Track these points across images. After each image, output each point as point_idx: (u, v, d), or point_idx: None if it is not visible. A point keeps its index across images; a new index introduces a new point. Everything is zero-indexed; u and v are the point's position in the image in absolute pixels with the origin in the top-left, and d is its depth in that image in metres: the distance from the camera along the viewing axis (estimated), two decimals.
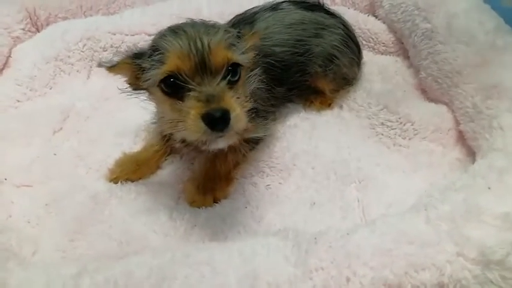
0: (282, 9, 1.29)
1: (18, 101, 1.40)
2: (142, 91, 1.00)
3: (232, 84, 0.89)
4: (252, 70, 1.02)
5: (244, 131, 1.09)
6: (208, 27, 0.92)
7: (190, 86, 0.84)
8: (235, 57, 0.89)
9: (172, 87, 0.87)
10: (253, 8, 1.32)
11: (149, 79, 0.90)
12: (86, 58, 1.53)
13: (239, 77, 0.91)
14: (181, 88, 0.85)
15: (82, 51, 1.53)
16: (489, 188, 0.85)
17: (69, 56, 1.51)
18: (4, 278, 0.78)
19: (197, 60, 0.84)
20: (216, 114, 0.80)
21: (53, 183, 1.13)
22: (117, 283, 0.74)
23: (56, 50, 1.50)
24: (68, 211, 1.05)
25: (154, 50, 0.90)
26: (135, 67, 0.95)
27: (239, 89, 0.92)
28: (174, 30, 0.91)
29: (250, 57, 0.97)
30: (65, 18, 1.69)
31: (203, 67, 0.85)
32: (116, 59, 0.97)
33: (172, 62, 0.85)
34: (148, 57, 0.91)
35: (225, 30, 0.92)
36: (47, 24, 1.66)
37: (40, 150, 1.24)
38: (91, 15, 1.71)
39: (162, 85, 0.88)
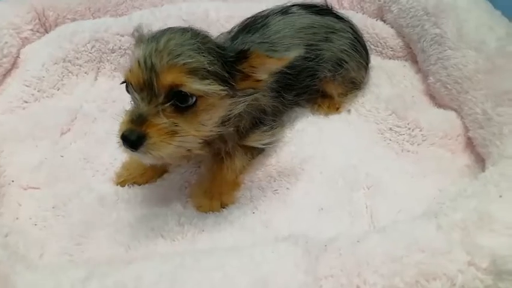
0: (292, 13, 1.29)
1: (26, 101, 1.39)
2: None
3: (182, 110, 0.88)
4: (253, 92, 1.00)
5: (247, 141, 1.12)
6: (180, 45, 0.89)
7: (134, 99, 0.89)
8: (186, 84, 0.86)
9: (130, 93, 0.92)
10: (263, 11, 1.32)
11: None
12: (94, 60, 1.53)
13: (194, 103, 0.89)
14: None
15: (90, 53, 1.53)
16: (501, 196, 0.84)
17: (77, 58, 1.51)
18: (13, 281, 0.78)
19: (145, 77, 0.86)
20: (129, 137, 0.84)
21: (60, 186, 1.13)
22: None
23: (65, 51, 1.50)
24: (75, 214, 1.05)
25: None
26: None
27: (193, 115, 0.90)
28: (151, 38, 0.92)
29: (217, 87, 0.91)
30: (73, 20, 1.69)
31: (150, 85, 0.86)
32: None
33: (127, 73, 0.90)
34: None
35: (191, 54, 0.88)
36: (56, 25, 1.67)
37: (47, 151, 1.23)
38: (99, 17, 1.71)
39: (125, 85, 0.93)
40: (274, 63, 0.94)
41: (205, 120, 0.93)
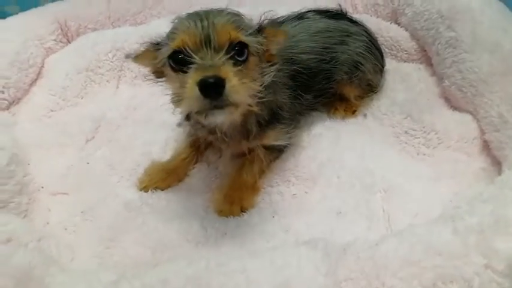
0: (307, 18, 1.32)
1: (52, 110, 1.45)
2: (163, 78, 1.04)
3: (238, 64, 0.91)
4: (272, 65, 1.04)
5: (266, 138, 1.14)
6: (220, 10, 0.96)
7: (193, 60, 0.87)
8: (241, 36, 0.91)
9: (179, 63, 0.91)
10: (278, 17, 1.34)
11: (161, 58, 0.95)
12: (116, 68, 1.58)
13: (246, 58, 0.93)
14: (187, 63, 0.89)
15: (112, 62, 1.58)
16: None
17: (99, 67, 1.56)
18: (47, 283, 0.82)
19: (202, 36, 0.88)
20: (209, 81, 0.82)
21: (88, 191, 1.18)
22: None
23: (87, 61, 1.55)
24: (102, 219, 1.09)
25: (170, 33, 0.95)
26: (156, 54, 1.00)
27: (247, 71, 0.93)
28: (189, 14, 0.95)
29: (261, 42, 0.97)
30: (94, 29, 1.74)
31: (208, 43, 0.88)
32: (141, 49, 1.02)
33: (179, 37, 0.89)
34: (166, 41, 0.96)
35: (235, 14, 0.97)
36: (77, 35, 1.72)
37: (74, 159, 1.28)
38: (119, 26, 1.76)
39: (170, 61, 0.93)
40: (280, 34, 1.03)
41: (255, 77, 0.97)
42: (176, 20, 0.97)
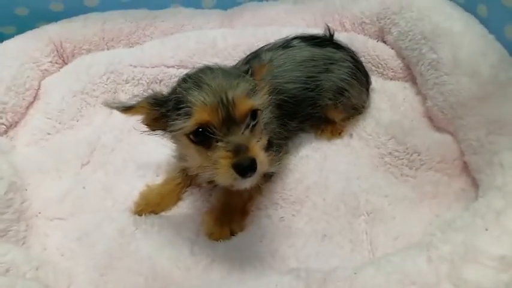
0: (293, 46, 1.37)
1: (49, 133, 1.48)
2: (159, 131, 1.08)
3: (253, 128, 0.98)
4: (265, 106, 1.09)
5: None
6: (229, 78, 0.98)
7: (218, 137, 0.93)
8: (254, 104, 0.98)
9: (200, 137, 0.96)
10: (265, 45, 1.39)
11: (176, 129, 0.98)
12: (110, 91, 1.62)
13: (257, 119, 1.00)
14: (209, 138, 0.95)
15: (106, 84, 1.62)
16: (486, 229, 0.91)
17: (94, 89, 1.60)
18: None
19: (223, 113, 0.93)
20: (245, 164, 0.90)
21: (84, 217, 1.22)
22: None
23: (82, 84, 1.59)
24: (98, 245, 1.13)
25: (179, 102, 0.97)
26: (154, 112, 1.04)
27: (258, 129, 1.01)
28: (197, 83, 0.97)
29: (264, 95, 1.05)
30: (89, 50, 1.78)
31: (228, 119, 0.94)
32: (132, 101, 1.04)
33: (201, 116, 0.94)
34: (174, 109, 0.98)
35: (244, 80, 1.00)
36: (73, 56, 1.76)
37: (70, 183, 1.32)
38: (113, 46, 1.80)
39: (191, 135, 0.97)
40: (265, 68, 1.10)
41: (262, 130, 1.05)
42: (184, 90, 0.97)
